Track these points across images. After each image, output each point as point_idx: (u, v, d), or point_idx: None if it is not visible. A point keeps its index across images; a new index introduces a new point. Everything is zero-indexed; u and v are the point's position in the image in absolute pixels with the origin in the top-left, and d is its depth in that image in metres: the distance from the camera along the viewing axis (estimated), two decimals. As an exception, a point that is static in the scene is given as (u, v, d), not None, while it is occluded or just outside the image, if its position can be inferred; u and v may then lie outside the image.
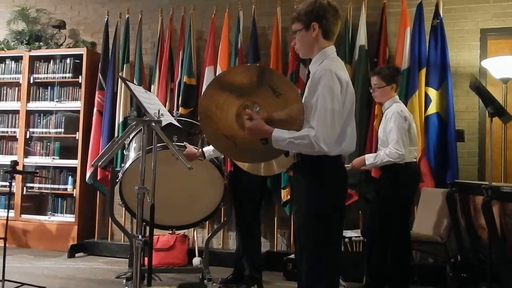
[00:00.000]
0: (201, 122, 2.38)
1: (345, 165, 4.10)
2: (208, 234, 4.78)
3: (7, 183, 4.37)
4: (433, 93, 4.60)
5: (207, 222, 4.94)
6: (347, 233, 4.57)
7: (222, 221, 4.70)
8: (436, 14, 4.69)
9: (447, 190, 3.77)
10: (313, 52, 2.36)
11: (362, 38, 4.81)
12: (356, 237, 4.51)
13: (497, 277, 3.19)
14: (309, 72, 2.38)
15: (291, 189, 4.77)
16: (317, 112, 2.17)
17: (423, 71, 4.64)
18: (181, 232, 5.01)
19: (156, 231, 4.34)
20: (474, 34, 4.81)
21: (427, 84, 4.63)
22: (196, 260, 4.87)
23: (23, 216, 5.75)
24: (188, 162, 2.70)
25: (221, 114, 2.32)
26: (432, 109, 4.59)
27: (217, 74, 4.00)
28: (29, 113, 5.87)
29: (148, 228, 3.29)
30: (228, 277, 4.21)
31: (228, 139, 2.36)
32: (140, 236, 2.61)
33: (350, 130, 2.32)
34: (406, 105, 4.23)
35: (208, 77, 5.08)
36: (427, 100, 4.61)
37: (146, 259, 2.96)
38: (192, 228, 5.01)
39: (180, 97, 5.22)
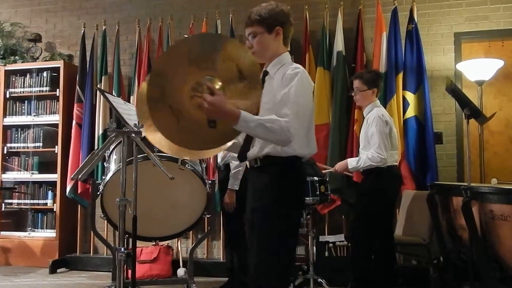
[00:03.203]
0: (150, 78, 2.07)
1: (328, 169, 4.15)
2: (192, 244, 4.75)
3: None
4: (410, 96, 4.66)
5: (190, 232, 4.91)
6: (331, 238, 4.59)
7: (206, 231, 4.68)
8: (411, 19, 4.77)
9: (428, 192, 3.81)
10: (272, 56, 2.33)
11: (339, 44, 4.86)
12: (340, 241, 4.53)
13: (479, 276, 3.22)
14: (265, 74, 2.32)
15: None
16: (290, 103, 2.13)
17: (400, 75, 4.70)
18: (165, 243, 4.97)
19: (139, 243, 4.29)
20: (448, 37, 4.90)
21: (404, 88, 4.69)
22: (181, 271, 4.83)
23: (3, 233, 5.63)
24: (169, 173, 2.68)
25: (176, 79, 2.03)
26: (410, 112, 4.64)
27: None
28: (6, 128, 5.77)
29: (130, 240, 3.26)
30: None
31: (173, 112, 2.03)
32: (122, 249, 2.59)
33: (313, 132, 2.34)
34: (384, 109, 4.29)
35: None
36: (405, 103, 4.67)
37: (129, 271, 2.93)
38: (176, 239, 4.97)
39: (160, 108, 5.19)
